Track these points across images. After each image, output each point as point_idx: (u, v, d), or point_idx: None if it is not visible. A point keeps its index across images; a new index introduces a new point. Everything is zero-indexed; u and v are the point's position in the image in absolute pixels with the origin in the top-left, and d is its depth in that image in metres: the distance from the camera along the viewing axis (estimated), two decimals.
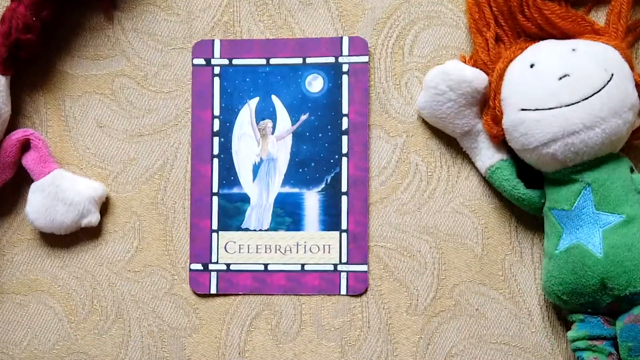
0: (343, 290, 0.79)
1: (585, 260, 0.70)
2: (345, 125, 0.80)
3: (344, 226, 0.79)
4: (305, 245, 0.79)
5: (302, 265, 0.79)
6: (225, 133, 0.80)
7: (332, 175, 0.79)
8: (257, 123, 0.80)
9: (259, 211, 0.80)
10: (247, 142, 0.80)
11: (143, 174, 0.81)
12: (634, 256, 0.70)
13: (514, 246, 0.78)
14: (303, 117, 0.80)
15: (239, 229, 0.80)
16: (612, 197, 0.71)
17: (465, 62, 0.77)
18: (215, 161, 0.80)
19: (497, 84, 0.74)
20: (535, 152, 0.72)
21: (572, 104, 0.70)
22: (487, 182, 0.78)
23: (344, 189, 0.79)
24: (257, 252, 0.80)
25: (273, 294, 0.80)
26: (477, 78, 0.75)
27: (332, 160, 0.79)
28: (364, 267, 0.79)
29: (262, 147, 0.80)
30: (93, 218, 0.79)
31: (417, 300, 0.78)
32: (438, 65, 0.76)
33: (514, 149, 0.74)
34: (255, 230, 0.80)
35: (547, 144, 0.71)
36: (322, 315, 0.79)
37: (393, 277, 0.79)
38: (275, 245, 0.79)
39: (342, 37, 0.80)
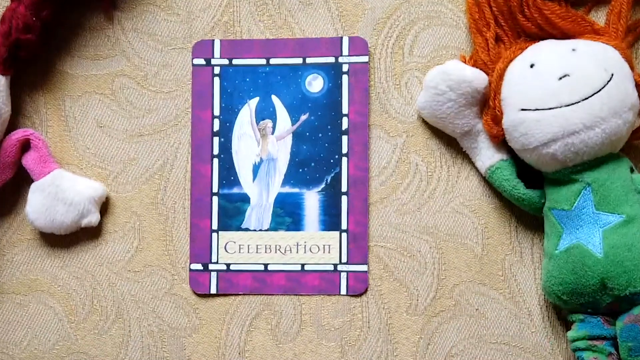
0: (343, 290, 0.79)
1: (585, 260, 0.70)
2: (345, 125, 0.80)
3: (344, 226, 0.79)
4: (305, 245, 0.79)
5: (302, 265, 0.79)
6: (225, 133, 0.80)
7: (332, 175, 0.79)
8: (257, 123, 0.80)
9: (259, 211, 0.80)
10: (247, 142, 0.80)
11: (143, 174, 0.81)
12: (634, 256, 0.70)
13: (514, 246, 0.78)
14: (303, 117, 0.80)
15: (239, 229, 0.80)
16: (612, 197, 0.71)
17: (465, 62, 0.77)
18: (215, 161, 0.80)
19: (497, 84, 0.74)
20: (535, 152, 0.72)
21: (572, 104, 0.70)
22: (487, 182, 0.78)
23: (344, 189, 0.79)
24: (257, 252, 0.80)
25: (273, 294, 0.80)
26: (477, 78, 0.75)
27: (332, 160, 0.79)
28: (364, 267, 0.79)
29: (262, 147, 0.80)
30: (93, 218, 0.79)
31: (417, 300, 0.78)
32: (438, 65, 0.76)
33: (514, 149, 0.74)
34: (255, 230, 0.80)
35: (547, 144, 0.71)
36: (322, 315, 0.79)
37: (393, 277, 0.79)
38: (275, 245, 0.79)
39: (342, 37, 0.80)
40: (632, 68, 0.73)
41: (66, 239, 0.81)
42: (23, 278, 0.81)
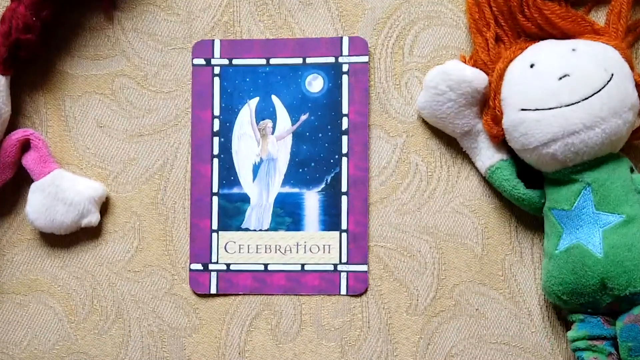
0: (343, 290, 0.79)
1: (585, 260, 0.70)
2: (345, 125, 0.80)
3: (344, 226, 0.79)
4: (305, 245, 0.79)
5: (302, 265, 0.79)
6: (225, 133, 0.80)
7: (332, 175, 0.79)
8: (257, 123, 0.80)
9: (259, 211, 0.80)
10: (247, 142, 0.80)
11: (143, 174, 0.81)
12: (634, 256, 0.70)
13: (514, 246, 0.78)
14: (303, 117, 0.80)
15: (239, 229, 0.80)
16: (612, 197, 0.71)
17: (465, 62, 0.77)
18: (215, 161, 0.80)
19: (497, 84, 0.74)
20: (535, 152, 0.72)
21: (572, 104, 0.70)
22: (487, 182, 0.78)
23: (344, 189, 0.79)
24: (257, 252, 0.80)
25: (273, 294, 0.80)
26: (477, 78, 0.75)
27: (332, 160, 0.79)
28: (364, 267, 0.79)
29: (262, 147, 0.80)
30: (93, 218, 0.79)
31: (417, 300, 0.78)
32: (438, 65, 0.76)
33: (514, 149, 0.74)
34: (255, 230, 0.80)
35: (547, 144, 0.71)
36: (322, 315, 0.79)
37: (393, 277, 0.79)
38: (275, 245, 0.79)
39: (342, 37, 0.80)
40: (632, 68, 0.73)
41: (66, 239, 0.81)
42: (23, 278, 0.81)
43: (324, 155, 0.80)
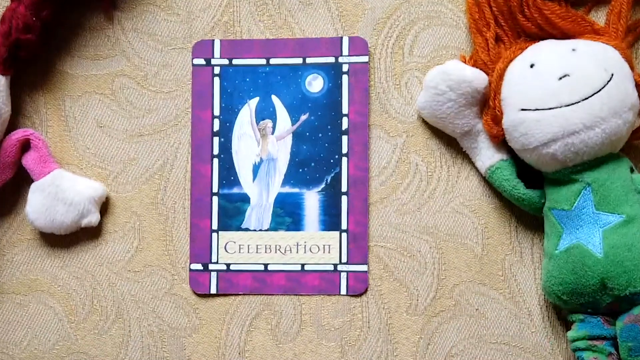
0: (343, 290, 0.79)
1: (585, 260, 0.70)
2: (345, 125, 0.80)
3: (344, 226, 0.79)
4: (305, 245, 0.79)
5: (302, 265, 0.79)
6: (225, 133, 0.80)
7: (332, 175, 0.79)
8: (257, 123, 0.80)
9: (259, 211, 0.80)
10: (247, 142, 0.80)
11: (143, 174, 0.81)
12: (634, 256, 0.70)
13: (514, 246, 0.78)
14: (303, 117, 0.80)
15: (239, 229, 0.80)
16: (612, 197, 0.71)
17: (465, 62, 0.77)
18: (215, 161, 0.80)
19: (497, 84, 0.74)
20: (535, 152, 0.72)
21: (572, 104, 0.70)
22: (487, 182, 0.78)
23: (344, 189, 0.79)
24: (257, 252, 0.80)
25: (273, 294, 0.80)
26: (477, 78, 0.75)
27: (332, 160, 0.79)
28: (364, 267, 0.79)
29: (262, 147, 0.80)
30: (93, 218, 0.79)
31: (417, 300, 0.78)
32: (438, 65, 0.76)
33: (514, 149, 0.74)
34: (255, 230, 0.80)
35: (547, 144, 0.71)
36: (322, 315, 0.79)
37: (393, 277, 0.79)
38: (275, 245, 0.79)
39: (342, 37, 0.80)
40: (632, 68, 0.73)
41: (66, 239, 0.81)
42: (23, 278, 0.81)
43: (324, 155, 0.80)
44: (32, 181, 0.79)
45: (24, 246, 0.82)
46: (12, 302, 0.81)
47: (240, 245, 0.80)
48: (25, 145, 0.79)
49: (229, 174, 0.80)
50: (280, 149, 0.80)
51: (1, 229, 0.82)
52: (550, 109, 0.71)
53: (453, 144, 0.79)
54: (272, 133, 0.80)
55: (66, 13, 0.82)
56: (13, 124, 0.81)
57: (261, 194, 0.80)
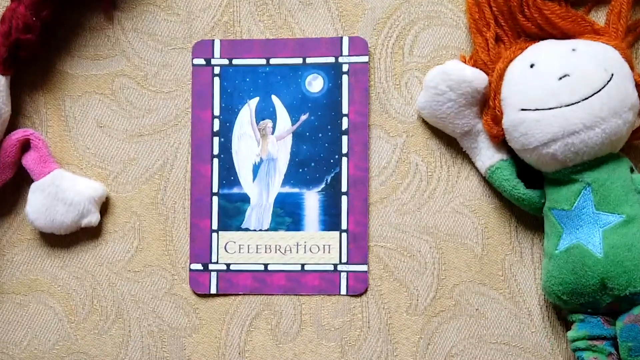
0: (343, 290, 0.79)
1: (585, 260, 0.70)
2: (345, 125, 0.80)
3: (344, 226, 0.79)
4: (305, 245, 0.79)
5: (302, 265, 0.79)
6: (225, 133, 0.80)
7: (332, 175, 0.79)
8: (257, 123, 0.80)
9: (259, 211, 0.80)
10: (247, 142, 0.80)
11: (143, 174, 0.81)
12: (634, 256, 0.70)
13: (514, 246, 0.78)
14: (303, 117, 0.80)
15: (239, 229, 0.80)
16: (612, 197, 0.71)
17: (465, 62, 0.77)
18: (215, 161, 0.80)
19: (497, 84, 0.74)
20: (535, 152, 0.72)
21: (572, 104, 0.70)
22: (487, 182, 0.78)
23: (344, 189, 0.79)
24: (257, 252, 0.80)
25: (273, 294, 0.80)
26: (477, 78, 0.75)
27: (332, 160, 0.79)
28: (364, 267, 0.79)
29: (262, 147, 0.80)
30: (93, 218, 0.79)
31: (417, 300, 0.78)
32: (438, 65, 0.76)
33: (514, 149, 0.74)
34: (255, 230, 0.80)
35: (547, 144, 0.71)
36: (322, 315, 0.79)
37: (393, 277, 0.79)
38: (275, 245, 0.79)
39: (342, 37, 0.80)
40: (632, 68, 0.73)
41: (66, 239, 0.81)
42: (23, 278, 0.81)
43: (324, 155, 0.80)
44: (32, 181, 0.79)
45: (24, 246, 0.82)
46: (12, 302, 0.81)
47: (240, 245, 0.80)
48: (25, 145, 0.79)
49: (229, 174, 0.80)
50: (280, 149, 0.80)
51: (1, 229, 0.82)
52: (550, 109, 0.71)
53: (453, 144, 0.79)
54: (272, 133, 0.80)
55: (66, 13, 0.82)
56: (13, 124, 0.81)
57: (261, 194, 0.80)
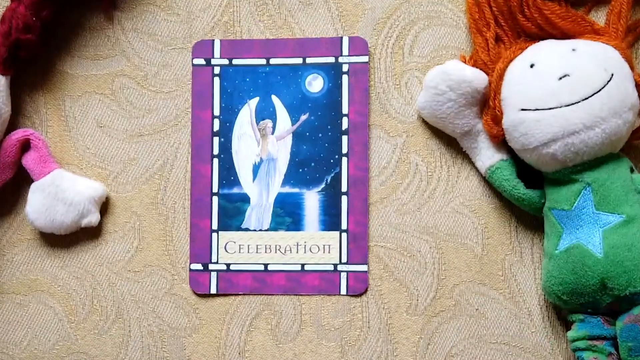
0: (343, 290, 0.79)
1: (585, 260, 0.70)
2: (345, 125, 0.80)
3: (344, 226, 0.79)
4: (305, 245, 0.79)
5: (302, 265, 0.79)
6: (225, 133, 0.80)
7: (332, 175, 0.79)
8: (257, 123, 0.80)
9: (259, 211, 0.80)
10: (247, 142, 0.80)
11: (143, 174, 0.81)
12: (634, 256, 0.70)
13: (514, 246, 0.78)
14: (303, 117, 0.80)
15: (239, 229, 0.80)
16: (612, 197, 0.71)
17: (465, 62, 0.77)
18: (215, 161, 0.80)
19: (497, 84, 0.74)
20: (535, 152, 0.72)
21: (572, 104, 0.70)
22: (487, 182, 0.78)
23: (344, 189, 0.79)
24: (257, 252, 0.80)
25: (273, 294, 0.80)
26: (477, 78, 0.75)
27: (332, 160, 0.79)
28: (364, 267, 0.79)
29: (262, 147, 0.80)
30: (93, 218, 0.79)
31: (417, 300, 0.78)
32: (438, 65, 0.76)
33: (514, 149, 0.74)
34: (255, 230, 0.80)
35: (547, 144, 0.71)
36: (322, 315, 0.79)
37: (393, 277, 0.79)
38: (275, 245, 0.79)
39: (342, 37, 0.80)
40: (632, 68, 0.73)
41: (66, 239, 0.81)
42: (23, 278, 0.81)
43: (324, 155, 0.80)
44: (32, 181, 0.79)
45: (24, 246, 0.82)
46: (12, 302, 0.81)
47: (240, 245, 0.80)
48: (25, 145, 0.79)
49: (229, 174, 0.80)
50: (280, 149, 0.80)
51: (1, 229, 0.82)
52: (550, 109, 0.71)
53: (453, 144, 0.79)
54: (272, 133, 0.80)
55: (66, 13, 0.82)
56: (13, 124, 0.81)
57: (261, 194, 0.80)
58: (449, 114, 0.76)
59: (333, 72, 0.80)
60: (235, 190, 0.80)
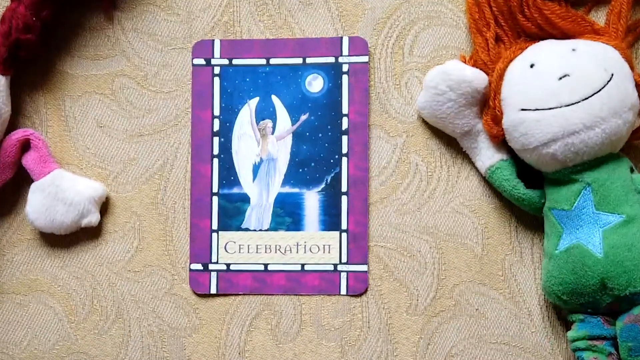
0: (343, 290, 0.79)
1: (585, 260, 0.70)
2: (345, 125, 0.80)
3: (344, 226, 0.79)
4: (305, 245, 0.79)
5: (302, 265, 0.79)
6: (225, 133, 0.80)
7: (332, 175, 0.79)
8: (257, 123, 0.80)
9: (259, 211, 0.80)
10: (247, 142, 0.80)
11: (143, 174, 0.81)
12: (634, 256, 0.70)
13: (514, 246, 0.78)
14: (303, 117, 0.80)
15: (239, 229, 0.80)
16: (612, 197, 0.71)
17: (465, 62, 0.77)
18: (215, 161, 0.80)
19: (497, 84, 0.74)
20: (535, 152, 0.72)
21: (572, 104, 0.70)
22: (487, 182, 0.78)
23: (344, 189, 0.79)
24: (257, 252, 0.80)
25: (273, 294, 0.80)
26: (477, 78, 0.75)
27: (332, 160, 0.79)
28: (364, 267, 0.79)
29: (262, 147, 0.80)
30: (93, 218, 0.79)
31: (417, 300, 0.78)
32: (438, 65, 0.76)
33: (514, 149, 0.74)
34: (255, 230, 0.80)
35: (547, 144, 0.71)
36: (322, 315, 0.79)
37: (393, 277, 0.79)
38: (275, 245, 0.79)
39: (342, 37, 0.80)
40: (632, 68, 0.73)
41: (66, 239, 0.81)
42: (23, 278, 0.81)
43: (324, 155, 0.80)
44: (32, 181, 0.79)
45: (24, 246, 0.82)
46: (12, 302, 0.81)
47: (240, 245, 0.80)
48: (25, 145, 0.79)
49: (229, 174, 0.80)
50: (280, 149, 0.80)
51: (1, 229, 0.82)
52: (550, 109, 0.71)
53: (453, 144, 0.79)
54: (272, 133, 0.80)
55: (66, 13, 0.82)
56: (13, 124, 0.81)
57: (261, 194, 0.80)
58: (449, 114, 0.76)
59: (333, 72, 0.80)
60: (235, 190, 0.80)
